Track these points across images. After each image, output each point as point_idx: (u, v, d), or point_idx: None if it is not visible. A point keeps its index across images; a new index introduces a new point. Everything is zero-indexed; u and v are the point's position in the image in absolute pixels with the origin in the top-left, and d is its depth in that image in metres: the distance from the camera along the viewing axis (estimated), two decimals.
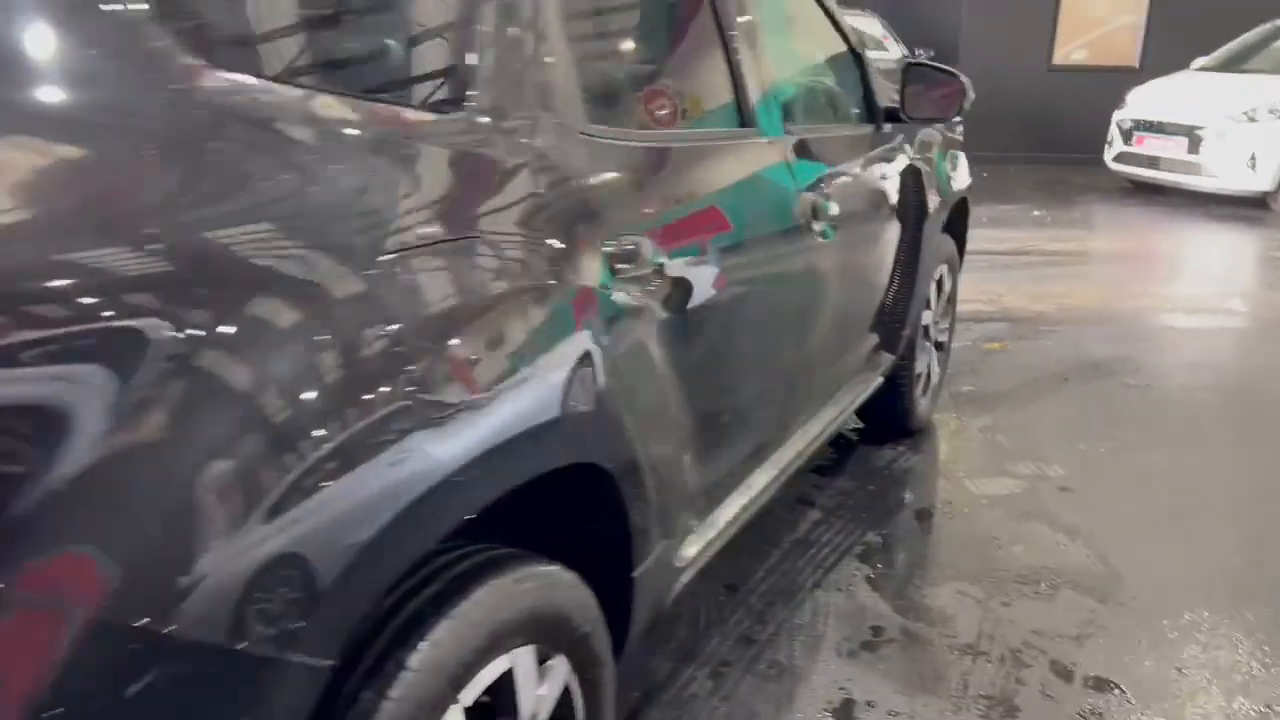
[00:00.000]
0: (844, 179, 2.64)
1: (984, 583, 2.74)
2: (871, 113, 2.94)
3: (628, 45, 1.91)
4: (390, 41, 1.36)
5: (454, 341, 1.15)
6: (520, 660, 1.34)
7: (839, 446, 3.64)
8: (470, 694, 1.24)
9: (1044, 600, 2.66)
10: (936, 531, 3.02)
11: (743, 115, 2.10)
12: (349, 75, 1.28)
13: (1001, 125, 11.66)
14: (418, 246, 1.15)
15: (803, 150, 2.33)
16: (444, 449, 1.10)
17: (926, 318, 3.52)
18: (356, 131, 1.15)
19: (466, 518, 1.19)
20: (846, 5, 11.21)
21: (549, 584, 1.38)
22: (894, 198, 3.03)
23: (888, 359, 3.24)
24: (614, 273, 1.52)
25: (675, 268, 1.68)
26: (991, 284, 6.03)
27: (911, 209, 3.15)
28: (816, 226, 2.29)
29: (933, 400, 3.82)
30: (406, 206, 1.16)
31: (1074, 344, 4.91)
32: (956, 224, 3.75)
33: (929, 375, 3.72)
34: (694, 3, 2.07)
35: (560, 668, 1.45)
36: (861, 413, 3.68)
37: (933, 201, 3.22)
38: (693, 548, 1.94)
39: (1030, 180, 10.52)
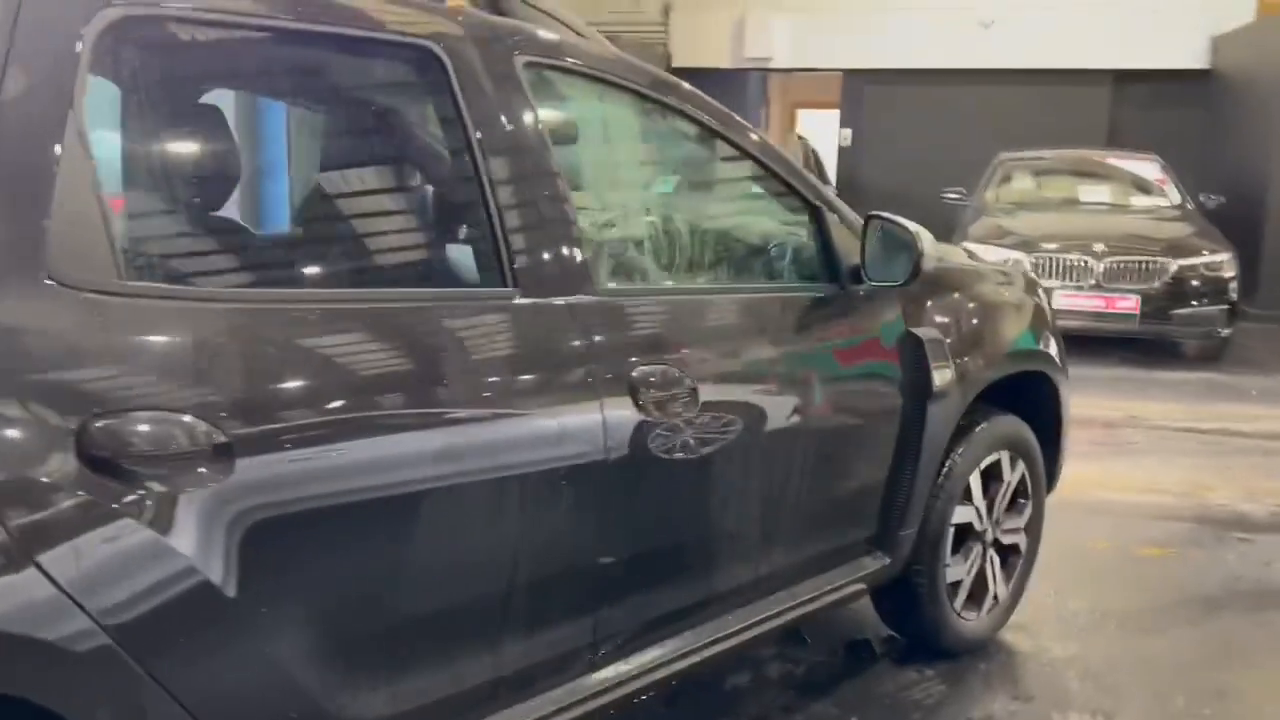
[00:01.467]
0: (738, 347, 2.22)
1: None
2: (833, 271, 2.47)
3: (257, 177, 1.68)
4: None
5: None
6: None
7: (856, 657, 3.03)
8: None
9: None
10: None
11: (501, 272, 1.78)
12: None
13: None
14: None
15: (623, 314, 1.96)
16: None
17: (964, 516, 2.89)
18: None
19: None
20: (1129, 148, 10.20)
21: None
22: (868, 370, 2.52)
23: (879, 563, 2.66)
24: (97, 455, 1.28)
25: (253, 457, 1.40)
26: (1201, 472, 5.00)
27: (909, 385, 2.61)
28: (633, 403, 1.90)
29: (996, 616, 3.10)
30: None
31: (1267, 560, 3.89)
32: (1033, 401, 3.10)
33: (986, 585, 3.03)
34: (422, 130, 1.80)
35: None
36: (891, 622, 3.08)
37: (943, 376, 2.64)
38: None
39: None
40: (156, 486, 1.33)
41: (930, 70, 12.71)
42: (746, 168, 2.38)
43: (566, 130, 2.00)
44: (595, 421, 1.84)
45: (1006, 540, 3.09)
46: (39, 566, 1.22)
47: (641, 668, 2.04)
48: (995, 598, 3.09)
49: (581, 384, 1.84)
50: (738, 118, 2.32)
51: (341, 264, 1.74)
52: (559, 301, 1.84)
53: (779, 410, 2.27)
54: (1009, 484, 3.04)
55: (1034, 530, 3.20)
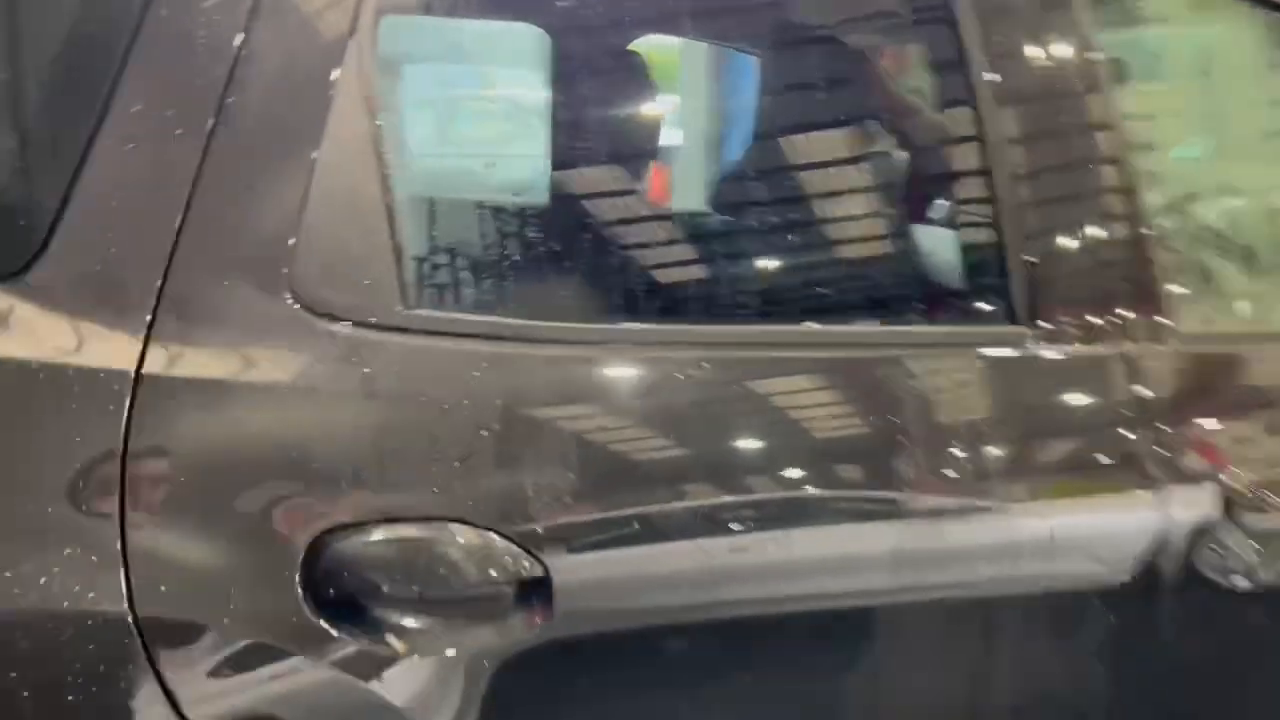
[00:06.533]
0: None
1: None
2: None
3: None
4: None
5: None
6: None
7: None
8: None
9: None
10: None
11: (1009, 303, 1.24)
12: None
13: None
14: None
15: (1213, 371, 1.33)
16: None
17: None
18: None
19: None
20: None
21: None
22: None
23: None
24: None
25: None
26: None
27: None
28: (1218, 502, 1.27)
29: None
30: None
31: None
32: None
33: None
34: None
35: None
36: None
37: None
38: None
39: None
40: None
41: None
42: None
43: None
44: (1149, 521, 1.25)
45: None
46: None
47: None
48: None
49: (1135, 469, 1.26)
50: None
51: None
52: (1106, 350, 1.26)
53: None
54: None
55: None
